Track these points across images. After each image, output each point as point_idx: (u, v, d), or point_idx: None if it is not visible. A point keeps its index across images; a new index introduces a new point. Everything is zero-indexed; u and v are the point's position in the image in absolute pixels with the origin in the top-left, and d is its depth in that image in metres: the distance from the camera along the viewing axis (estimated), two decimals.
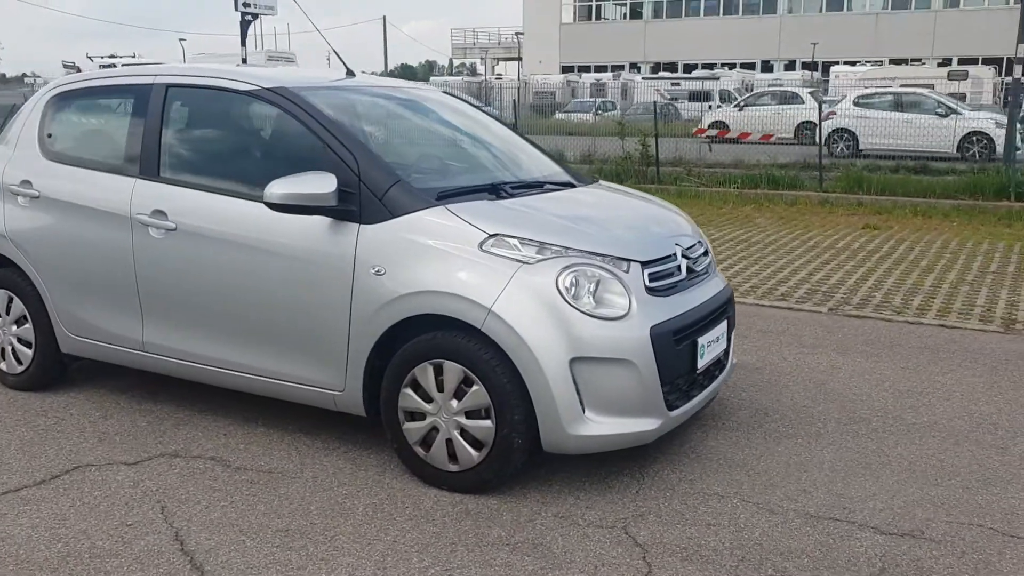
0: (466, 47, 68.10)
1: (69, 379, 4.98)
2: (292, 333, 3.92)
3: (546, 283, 3.48)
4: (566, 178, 4.55)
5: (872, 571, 3.10)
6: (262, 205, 3.90)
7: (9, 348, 4.84)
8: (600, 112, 30.19)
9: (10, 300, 4.79)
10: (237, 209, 4.00)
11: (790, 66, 54.86)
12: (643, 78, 44.16)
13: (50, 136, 4.72)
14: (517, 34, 51.81)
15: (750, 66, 53.57)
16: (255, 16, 18.14)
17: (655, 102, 16.25)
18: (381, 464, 3.97)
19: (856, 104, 19.98)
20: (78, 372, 5.05)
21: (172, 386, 4.88)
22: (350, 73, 4.69)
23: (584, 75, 48.52)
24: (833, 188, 12.33)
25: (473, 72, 71.74)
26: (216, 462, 4.01)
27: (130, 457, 4.06)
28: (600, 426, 3.48)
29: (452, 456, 3.65)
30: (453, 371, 3.58)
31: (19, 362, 4.83)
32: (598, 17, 62.24)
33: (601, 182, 4.73)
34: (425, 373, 3.64)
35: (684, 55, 56.73)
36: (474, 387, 3.54)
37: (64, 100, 4.74)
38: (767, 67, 55.04)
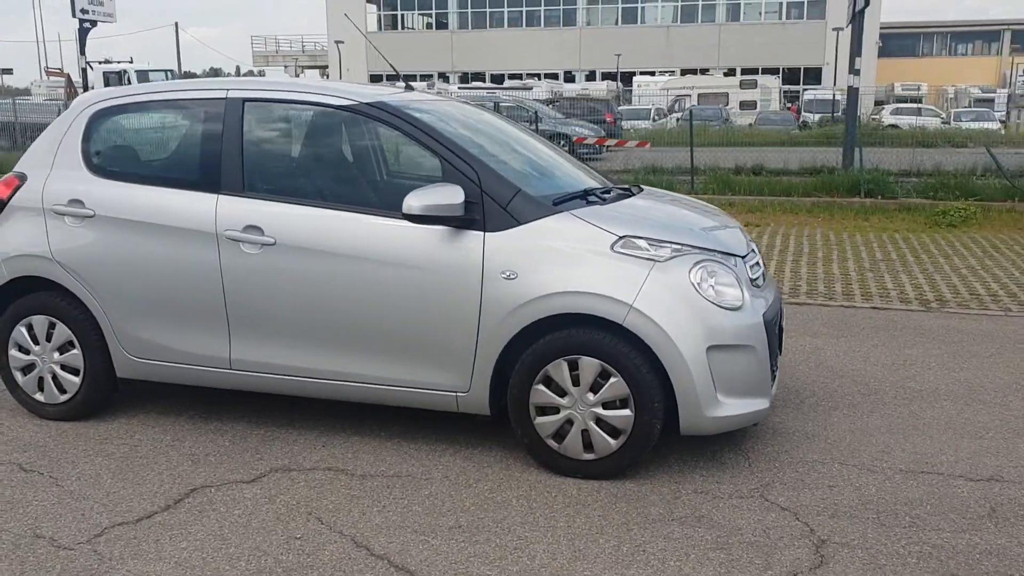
0: (268, 55, 66.43)
1: (109, 407, 4.79)
2: (413, 340, 4.03)
3: (680, 279, 3.81)
4: (622, 185, 4.88)
5: (985, 511, 3.65)
6: (374, 217, 4.03)
7: (50, 377, 4.60)
8: None
9: (51, 326, 4.55)
10: (348, 222, 4.06)
11: (591, 76, 57.40)
12: (459, 87, 44.84)
13: (98, 153, 4.54)
14: (337, 42, 51.17)
15: (554, 76, 55.59)
16: (94, 23, 17.14)
17: (536, 112, 16.79)
18: (500, 460, 4.15)
19: None
20: (113, 399, 4.85)
21: (227, 404, 4.83)
22: (408, 87, 4.81)
23: (398, 84, 48.58)
24: (704, 190, 13.30)
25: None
26: (336, 472, 4.05)
27: (242, 475, 4.03)
28: (729, 407, 3.85)
29: (587, 446, 3.91)
30: (590, 366, 3.83)
31: (62, 391, 4.60)
32: (404, 27, 62.56)
33: (647, 188, 5.09)
34: (559, 369, 3.87)
35: (491, 65, 58.05)
36: (612, 379, 3.81)
37: (108, 115, 4.57)
38: (570, 77, 57.24)
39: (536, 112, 21.18)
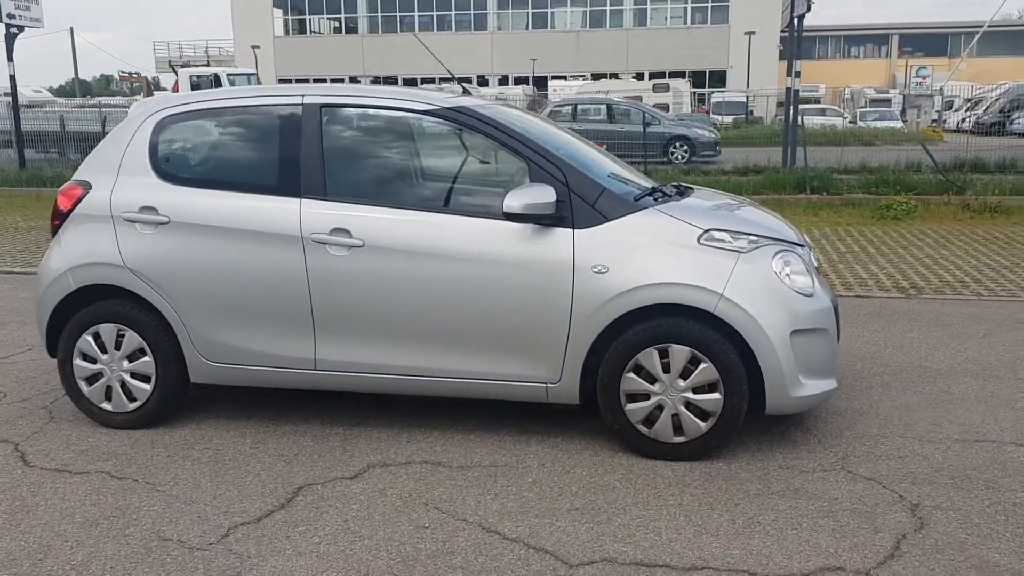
0: (171, 60, 64.78)
1: (175, 414, 4.78)
2: (504, 334, 4.17)
3: (763, 268, 4.07)
4: (675, 183, 5.11)
5: None
6: (462, 218, 4.17)
7: (118, 385, 4.58)
8: None
9: (120, 334, 4.54)
10: (436, 223, 4.18)
11: (503, 80, 57.83)
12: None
13: (168, 160, 4.54)
14: (253, 47, 50.37)
15: (467, 80, 55.78)
16: (20, 28, 16.55)
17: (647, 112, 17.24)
18: (586, 447, 4.34)
19: None
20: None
21: (291, 406, 4.89)
22: (466, 92, 4.95)
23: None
24: None
25: (155, 87, 67.17)
26: (433, 464, 4.17)
27: (341, 472, 4.11)
28: (809, 388, 4.12)
29: (677, 429, 4.12)
30: (680, 353, 4.05)
31: (131, 399, 4.59)
32: (311, 31, 61.95)
33: (695, 187, 5.31)
34: (650, 357, 4.08)
35: (403, 69, 57.92)
36: (702, 365, 4.04)
37: (175, 122, 4.57)
38: (483, 81, 57.56)
39: (646, 112, 21.58)
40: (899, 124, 33.26)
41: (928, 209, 12.51)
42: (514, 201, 3.99)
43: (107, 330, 4.54)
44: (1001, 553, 3.32)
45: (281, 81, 56.97)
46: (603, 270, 4.06)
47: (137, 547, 3.47)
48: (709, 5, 58.55)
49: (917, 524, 3.55)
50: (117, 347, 4.55)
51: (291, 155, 4.36)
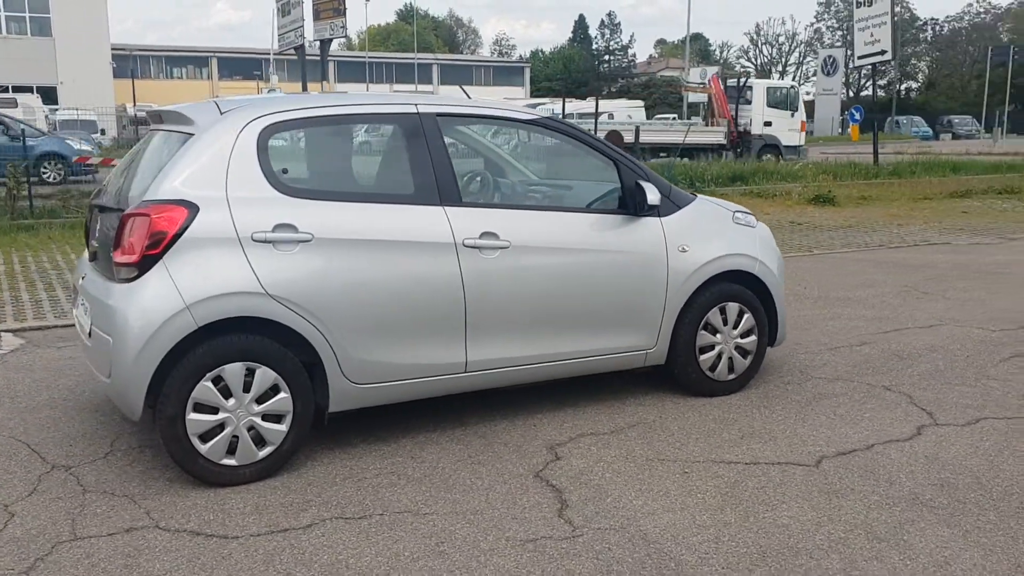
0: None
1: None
2: (622, 312, 4.84)
3: (767, 235, 5.45)
4: None
5: (983, 336, 6.15)
6: (581, 214, 4.78)
7: (246, 432, 3.99)
8: None
9: (248, 373, 3.98)
10: (565, 220, 4.66)
11: None
12: None
13: (286, 172, 4.07)
14: None
15: None
16: None
17: None
18: (661, 399, 5.22)
19: None
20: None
21: (366, 422, 4.75)
22: (467, 95, 5.25)
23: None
24: None
25: None
26: (593, 435, 4.67)
27: (543, 458, 4.36)
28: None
29: (730, 369, 5.27)
30: (733, 309, 5.21)
31: (261, 445, 4.05)
32: None
33: None
34: (715, 315, 5.17)
35: None
36: (745, 315, 5.26)
37: (279, 131, 4.10)
38: None
39: None
40: None
41: None
42: (654, 196, 4.72)
43: (233, 371, 3.93)
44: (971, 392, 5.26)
45: None
46: (686, 248, 5.00)
47: (526, 552, 3.47)
48: (27, 15, 54.28)
49: (909, 397, 5.31)
50: (246, 389, 3.98)
51: (421, 164, 4.35)
